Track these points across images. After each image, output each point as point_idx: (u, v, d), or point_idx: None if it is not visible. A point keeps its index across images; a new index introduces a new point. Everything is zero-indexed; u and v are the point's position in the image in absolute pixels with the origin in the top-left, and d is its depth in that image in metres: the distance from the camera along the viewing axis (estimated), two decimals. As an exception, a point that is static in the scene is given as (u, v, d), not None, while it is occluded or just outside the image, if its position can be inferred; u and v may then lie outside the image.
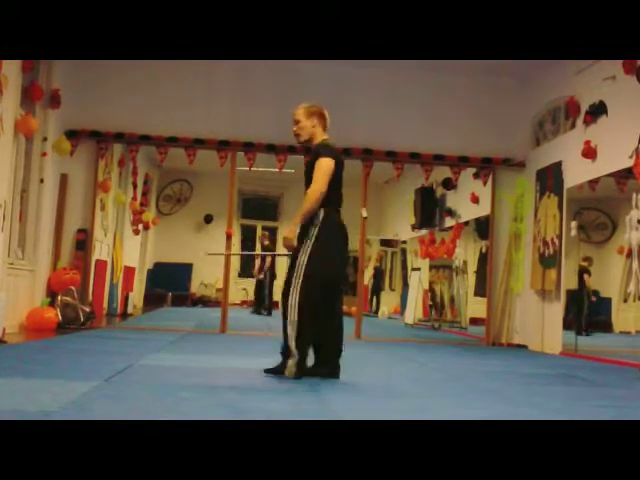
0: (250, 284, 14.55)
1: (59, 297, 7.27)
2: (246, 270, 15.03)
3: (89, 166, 8.02)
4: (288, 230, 4.15)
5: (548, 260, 7.49)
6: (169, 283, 13.89)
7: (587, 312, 7.84)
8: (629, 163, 6.05)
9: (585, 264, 7.79)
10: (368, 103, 8.27)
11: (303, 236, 4.10)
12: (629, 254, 6.36)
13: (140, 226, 11.69)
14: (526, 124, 8.30)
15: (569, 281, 7.48)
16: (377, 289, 13.82)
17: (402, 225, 12.79)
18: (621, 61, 6.16)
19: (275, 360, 4.62)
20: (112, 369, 3.95)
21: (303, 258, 4.02)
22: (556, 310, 7.41)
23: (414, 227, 11.92)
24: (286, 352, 4.03)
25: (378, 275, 13.82)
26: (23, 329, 6.71)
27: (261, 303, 12.43)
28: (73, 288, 7.43)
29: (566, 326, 7.32)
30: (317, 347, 4.18)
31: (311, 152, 4.27)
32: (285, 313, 4.03)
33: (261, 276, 12.44)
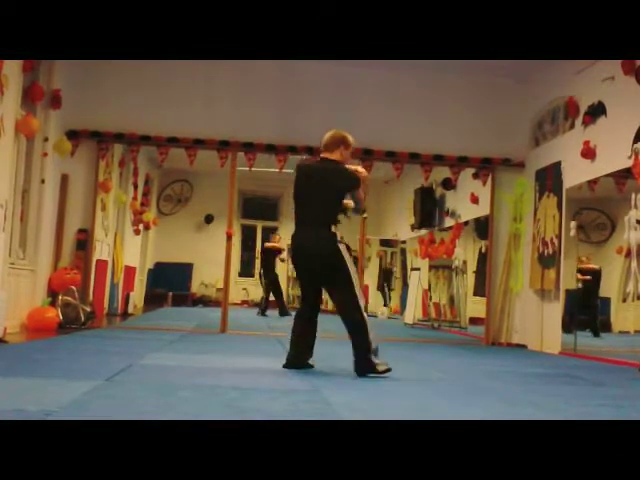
0: (250, 284, 14.57)
1: (60, 297, 7.27)
2: (246, 270, 15.05)
3: (90, 166, 8.03)
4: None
5: (547, 260, 7.50)
6: (169, 283, 13.90)
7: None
8: (628, 163, 6.06)
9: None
10: (368, 103, 8.27)
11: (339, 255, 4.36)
12: (628, 254, 6.37)
13: (141, 226, 11.71)
14: (525, 124, 8.31)
15: (568, 281, 7.48)
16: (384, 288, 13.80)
17: (401, 225, 12.80)
18: (620, 62, 6.17)
19: (274, 359, 4.64)
20: (112, 369, 3.96)
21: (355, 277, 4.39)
22: (555, 310, 7.41)
23: (413, 227, 11.92)
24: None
25: (386, 275, 13.80)
26: (24, 329, 6.72)
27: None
28: (74, 288, 7.44)
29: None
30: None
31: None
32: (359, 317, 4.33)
33: None
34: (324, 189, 4.45)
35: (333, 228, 4.40)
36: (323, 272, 4.41)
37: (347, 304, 4.33)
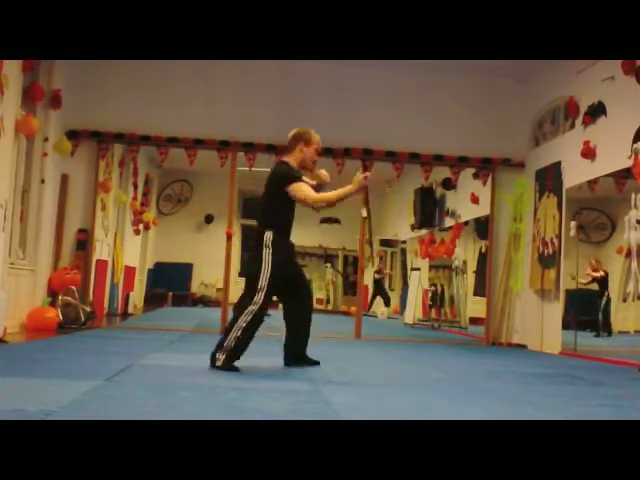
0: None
1: (60, 297, 7.27)
2: (246, 270, 15.03)
3: (90, 166, 8.03)
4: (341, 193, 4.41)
5: (547, 260, 7.50)
6: (169, 283, 13.90)
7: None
8: (628, 163, 6.06)
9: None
10: (368, 103, 8.27)
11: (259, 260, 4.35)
12: (628, 254, 6.37)
13: (141, 226, 11.71)
14: (526, 124, 8.31)
15: (568, 281, 7.48)
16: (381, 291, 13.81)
17: (402, 225, 12.80)
18: (620, 62, 6.17)
19: (274, 359, 4.64)
20: (112, 369, 3.96)
21: (263, 283, 4.30)
22: (555, 310, 7.41)
23: (413, 227, 11.93)
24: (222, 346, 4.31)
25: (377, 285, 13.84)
26: (24, 329, 6.72)
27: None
28: (74, 288, 7.44)
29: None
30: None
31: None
32: (238, 316, 4.31)
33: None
34: (265, 193, 4.53)
35: (269, 233, 4.34)
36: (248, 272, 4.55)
37: (243, 303, 4.39)
